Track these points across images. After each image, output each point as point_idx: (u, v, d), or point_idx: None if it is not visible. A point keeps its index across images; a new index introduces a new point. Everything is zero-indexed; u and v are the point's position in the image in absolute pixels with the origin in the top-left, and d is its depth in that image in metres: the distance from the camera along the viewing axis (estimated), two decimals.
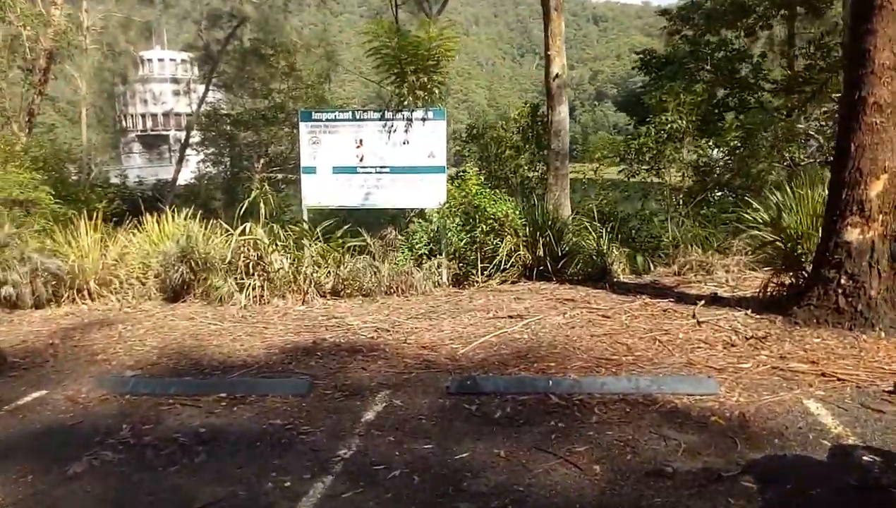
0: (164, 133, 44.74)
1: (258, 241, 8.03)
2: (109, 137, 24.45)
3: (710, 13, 15.83)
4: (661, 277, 7.98)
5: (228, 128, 24.56)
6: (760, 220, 7.14)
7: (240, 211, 8.65)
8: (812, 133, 13.37)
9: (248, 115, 23.53)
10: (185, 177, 25.10)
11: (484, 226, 8.08)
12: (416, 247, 8.13)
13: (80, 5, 20.39)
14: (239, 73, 22.95)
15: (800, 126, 14.11)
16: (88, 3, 20.60)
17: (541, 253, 8.07)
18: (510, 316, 6.42)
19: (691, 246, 8.74)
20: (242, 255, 8.03)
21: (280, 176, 25.70)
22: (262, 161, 24.26)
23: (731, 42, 16.21)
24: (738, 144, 10.33)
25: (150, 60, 47.47)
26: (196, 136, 24.69)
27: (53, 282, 8.14)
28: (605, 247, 8.01)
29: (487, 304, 7.05)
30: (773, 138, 12.04)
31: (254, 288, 7.77)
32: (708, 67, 14.43)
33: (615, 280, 7.84)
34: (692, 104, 10.20)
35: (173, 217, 9.24)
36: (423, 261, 8.13)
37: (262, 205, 8.70)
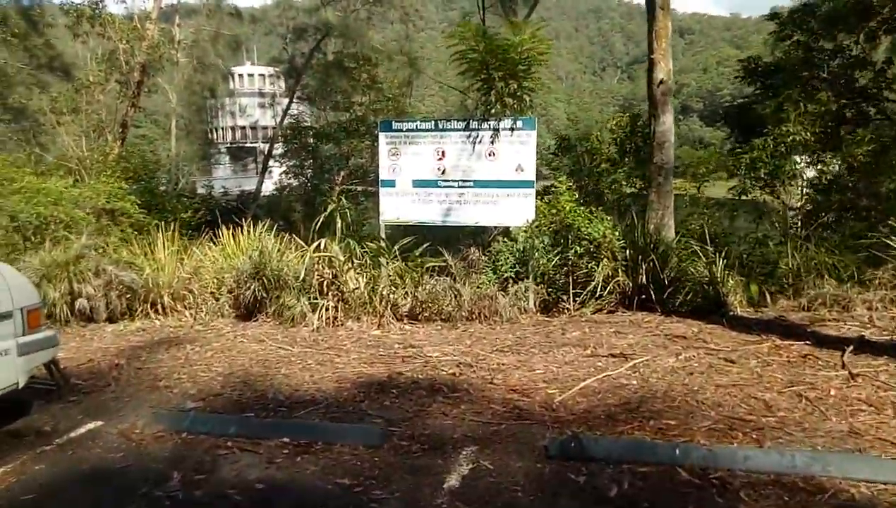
0: (251, 145, 46.18)
1: (333, 259, 7.55)
2: (198, 149, 25.16)
3: (827, 16, 14.31)
4: (787, 312, 6.88)
5: (311, 140, 24.72)
6: None
7: (316, 225, 8.22)
8: None
9: (330, 128, 23.57)
10: (269, 188, 25.45)
11: (578, 248, 7.25)
12: (502, 268, 7.40)
13: (172, 20, 21.04)
14: (322, 86, 23.00)
15: None
16: (181, 18, 21.23)
17: (643, 279, 7.15)
18: (612, 355, 5.57)
19: (820, 275, 7.57)
20: (316, 273, 7.57)
21: (360, 188, 25.65)
22: (342, 173, 24.21)
23: (850, 48, 14.60)
24: (870, 160, 9.01)
25: (240, 76, 49.28)
26: (279, 148, 24.96)
27: (128, 296, 7.95)
28: (719, 276, 6.99)
29: (584, 338, 6.21)
30: None
31: (327, 310, 7.27)
32: (825, 75, 12.98)
33: (731, 314, 6.82)
34: (814, 114, 8.98)
35: (249, 230, 8.95)
36: (509, 285, 7.39)
37: (338, 219, 8.26)
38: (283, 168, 23.43)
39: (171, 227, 8.97)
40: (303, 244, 7.78)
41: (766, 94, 14.09)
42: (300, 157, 22.87)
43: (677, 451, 3.58)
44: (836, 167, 9.62)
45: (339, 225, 8.19)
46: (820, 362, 5.03)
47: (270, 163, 24.47)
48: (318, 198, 20.32)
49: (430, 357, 5.82)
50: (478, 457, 3.76)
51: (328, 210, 8.46)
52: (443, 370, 5.43)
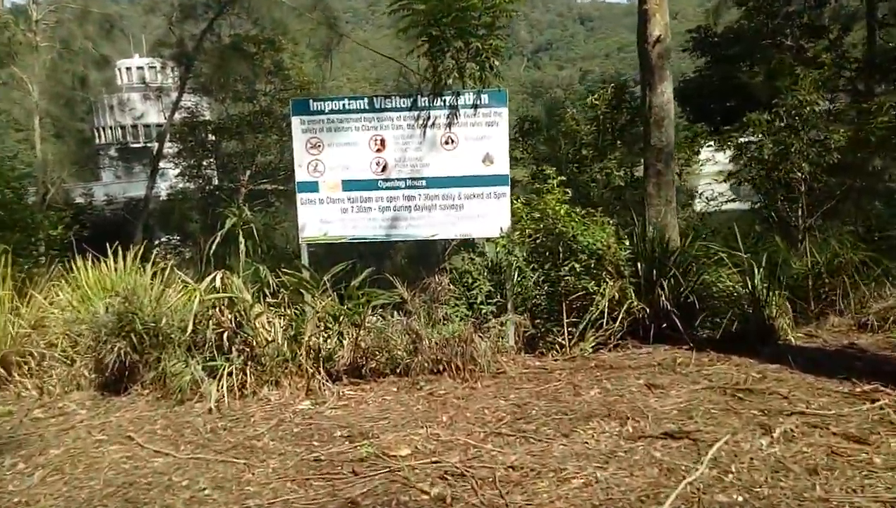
0: (141, 145, 41.68)
1: (235, 299, 5.32)
2: (73, 151, 21.57)
3: None
4: (848, 335, 5.31)
5: (210, 136, 21.82)
6: None
7: (209, 247, 5.97)
8: None
9: (231, 122, 20.87)
10: (162, 192, 22.27)
11: (576, 264, 5.37)
12: (477, 299, 5.41)
13: None
14: (218, 74, 20.12)
15: None
16: None
17: (663, 302, 5.37)
18: (669, 436, 3.71)
19: (850, 278, 6.09)
20: (212, 321, 5.31)
21: (270, 187, 22.94)
22: (248, 172, 21.51)
23: (801, 15, 13.61)
24: (886, 133, 7.70)
25: (127, 69, 44.50)
26: (172, 147, 21.83)
27: None
28: (761, 292, 5.31)
29: (609, 400, 4.34)
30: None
31: (231, 374, 5.05)
32: (789, 42, 11.79)
33: (782, 343, 5.17)
34: (817, 81, 7.57)
35: (116, 258, 6.56)
36: (488, 320, 5.43)
37: (241, 238, 6.04)
38: (178, 169, 20.43)
39: (3, 260, 6.41)
40: (188, 281, 5.49)
41: (717, 66, 12.90)
42: (197, 157, 19.98)
43: None
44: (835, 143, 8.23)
45: (241, 246, 5.99)
46: None
47: (163, 164, 21.33)
48: (219, 203, 17.62)
49: (395, 457, 3.76)
50: None
51: (226, 225, 6.20)
52: (421, 488, 3.39)
